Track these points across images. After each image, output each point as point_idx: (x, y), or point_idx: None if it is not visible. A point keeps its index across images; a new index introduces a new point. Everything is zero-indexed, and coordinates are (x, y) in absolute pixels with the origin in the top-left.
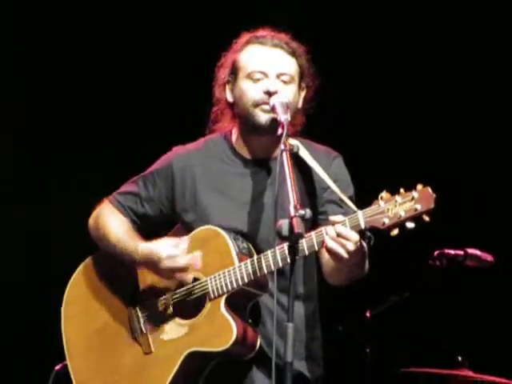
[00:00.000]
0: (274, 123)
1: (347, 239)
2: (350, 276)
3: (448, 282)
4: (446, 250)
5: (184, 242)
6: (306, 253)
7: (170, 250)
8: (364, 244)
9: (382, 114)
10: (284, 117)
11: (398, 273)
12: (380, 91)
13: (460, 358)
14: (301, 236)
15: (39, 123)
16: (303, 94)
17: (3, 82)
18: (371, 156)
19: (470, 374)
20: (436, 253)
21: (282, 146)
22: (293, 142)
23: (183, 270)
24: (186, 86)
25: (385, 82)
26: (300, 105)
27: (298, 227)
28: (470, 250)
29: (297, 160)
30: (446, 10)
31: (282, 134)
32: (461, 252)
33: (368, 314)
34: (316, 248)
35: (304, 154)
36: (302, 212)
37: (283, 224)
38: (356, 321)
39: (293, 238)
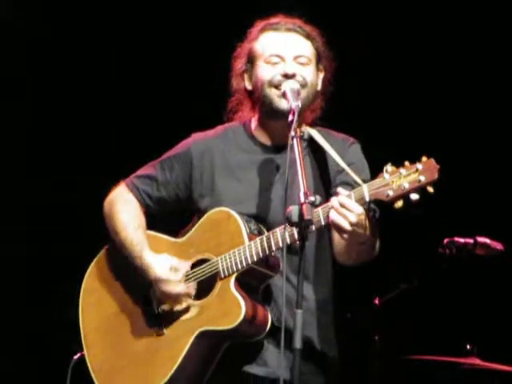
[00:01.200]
0: (289, 110)
1: (350, 210)
2: (360, 255)
3: (457, 270)
4: (456, 238)
5: (184, 267)
6: (313, 228)
7: (168, 274)
8: (373, 221)
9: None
10: (295, 103)
11: (408, 260)
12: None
13: (468, 346)
14: (310, 222)
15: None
16: (321, 76)
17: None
18: (381, 136)
19: (479, 362)
20: (446, 241)
21: (292, 133)
22: (304, 128)
23: (175, 297)
24: (201, 80)
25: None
26: (319, 87)
27: (308, 213)
28: (480, 239)
29: (313, 146)
30: (452, 10)
31: (292, 121)
32: (470, 240)
33: (377, 302)
34: (323, 222)
35: (318, 138)
36: (311, 198)
37: (293, 210)
38: (365, 308)
39: (302, 224)
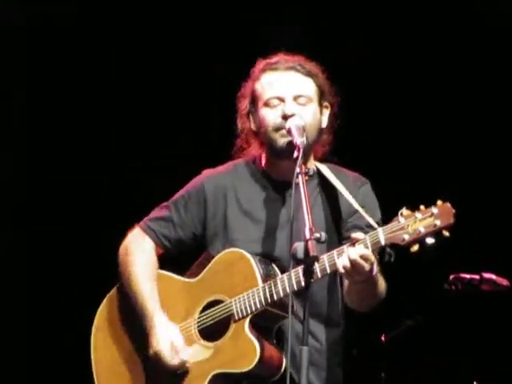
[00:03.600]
0: (292, 146)
1: (364, 259)
2: (363, 301)
3: (463, 306)
4: (462, 275)
5: (185, 351)
6: (328, 271)
7: (167, 352)
8: (374, 272)
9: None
10: (300, 140)
11: (414, 297)
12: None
13: (475, 383)
14: (316, 259)
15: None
16: (327, 112)
17: None
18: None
19: None
20: (452, 277)
21: (297, 169)
22: (312, 164)
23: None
24: (210, 116)
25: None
26: (324, 124)
27: (313, 250)
28: (486, 275)
29: (324, 183)
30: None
31: (297, 157)
32: (476, 276)
33: (383, 338)
34: (328, 270)
35: (328, 175)
36: (317, 235)
37: (298, 247)
38: (371, 345)
39: (308, 261)
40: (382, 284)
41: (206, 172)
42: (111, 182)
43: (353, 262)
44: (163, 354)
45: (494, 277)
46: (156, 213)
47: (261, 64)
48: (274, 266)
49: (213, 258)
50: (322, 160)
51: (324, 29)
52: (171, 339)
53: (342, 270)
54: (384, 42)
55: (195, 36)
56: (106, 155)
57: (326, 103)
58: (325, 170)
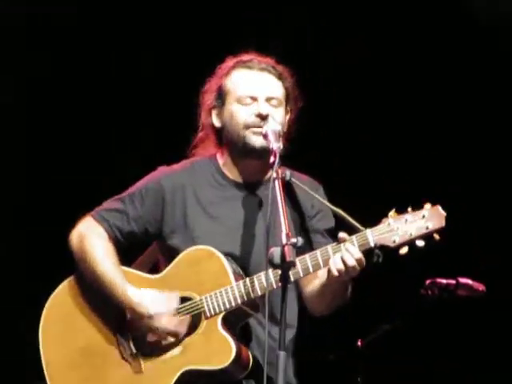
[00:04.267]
0: (266, 149)
1: (357, 259)
2: (331, 302)
3: (439, 311)
4: (438, 279)
5: (174, 299)
6: (311, 271)
7: (160, 308)
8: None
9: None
10: (276, 145)
11: (390, 301)
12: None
13: None
14: (292, 264)
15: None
16: (287, 117)
17: None
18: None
19: None
20: (428, 282)
21: (274, 175)
22: (284, 169)
23: (170, 331)
24: (169, 110)
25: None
26: (285, 128)
27: (290, 255)
28: (462, 280)
29: (285, 187)
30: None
31: (274, 162)
32: (452, 281)
33: (359, 343)
34: (321, 266)
35: (298, 182)
36: (293, 240)
37: (275, 252)
38: (347, 349)
39: (284, 266)
40: (349, 289)
41: (162, 169)
42: (111, 182)
43: (352, 266)
44: (158, 311)
45: (470, 282)
46: (110, 204)
47: (231, 61)
48: (236, 264)
49: (170, 254)
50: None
51: (324, 29)
52: (155, 296)
53: (335, 273)
54: (384, 42)
55: (195, 36)
56: (106, 155)
57: (289, 108)
58: (291, 175)
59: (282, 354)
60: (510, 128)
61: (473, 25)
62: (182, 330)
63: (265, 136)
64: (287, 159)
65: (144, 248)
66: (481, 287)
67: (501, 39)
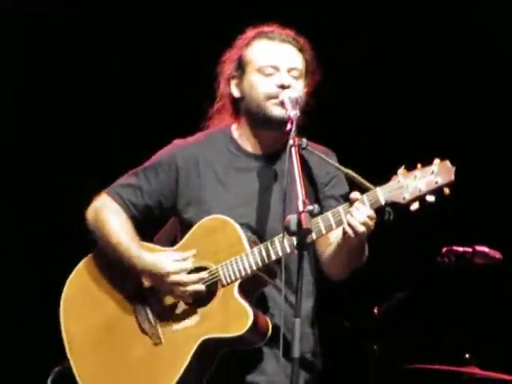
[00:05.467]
0: (285, 120)
1: (368, 216)
2: (349, 264)
3: (456, 279)
4: (454, 247)
5: (189, 257)
6: (324, 233)
7: (175, 264)
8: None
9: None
10: (293, 112)
11: (407, 269)
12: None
13: (467, 355)
14: (309, 231)
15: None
16: (305, 89)
17: None
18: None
19: (478, 371)
20: (444, 250)
21: (291, 142)
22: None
23: (190, 286)
24: (185, 81)
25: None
26: (303, 101)
27: (307, 222)
28: (478, 247)
29: (300, 155)
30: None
31: (290, 130)
32: (469, 249)
33: (376, 310)
34: (334, 227)
35: (313, 149)
36: (310, 207)
37: (291, 219)
38: (363, 316)
39: (301, 233)
40: (365, 251)
41: (177, 142)
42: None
43: (363, 223)
44: (175, 268)
45: (486, 249)
46: (124, 179)
47: (252, 32)
48: (250, 233)
49: (185, 227)
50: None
51: (324, 29)
52: (170, 255)
53: (349, 231)
54: (384, 42)
55: (195, 36)
56: (106, 155)
57: (307, 81)
58: (308, 142)
59: (297, 320)
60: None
61: (472, 24)
62: (200, 287)
63: (281, 103)
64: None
65: (162, 224)
66: (497, 255)
67: (500, 39)
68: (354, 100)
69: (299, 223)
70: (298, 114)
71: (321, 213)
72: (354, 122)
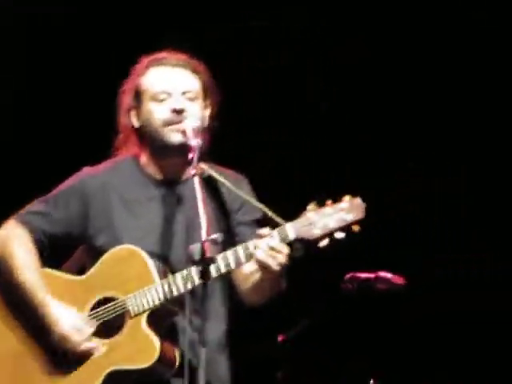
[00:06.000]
0: (185, 146)
1: (278, 251)
2: (269, 293)
3: (359, 305)
4: (357, 273)
5: (90, 327)
6: (233, 267)
7: (72, 333)
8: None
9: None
10: (194, 141)
11: (311, 296)
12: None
13: (372, 381)
14: (213, 260)
15: None
16: (208, 111)
17: None
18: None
19: None
20: (347, 276)
21: (193, 171)
22: (203, 165)
23: (77, 354)
24: (91, 112)
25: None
26: (206, 123)
27: (210, 251)
28: (381, 273)
29: (208, 182)
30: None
31: (192, 159)
32: (372, 275)
33: (280, 338)
34: (243, 261)
35: (217, 176)
36: (213, 236)
37: (194, 248)
38: (267, 344)
39: (204, 263)
40: (283, 279)
41: (86, 169)
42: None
43: (267, 254)
44: (68, 335)
45: (389, 275)
46: (33, 206)
47: (145, 60)
48: (161, 263)
49: (95, 255)
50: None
51: (324, 29)
52: (71, 320)
53: (260, 264)
54: (384, 42)
55: (195, 40)
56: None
57: (207, 102)
58: (210, 170)
59: (203, 350)
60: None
61: (471, 25)
62: (92, 352)
63: (183, 133)
64: (212, 154)
65: (72, 251)
66: (400, 280)
67: (500, 40)
68: (354, 100)
69: (202, 252)
70: (200, 143)
71: (232, 239)
72: (353, 122)
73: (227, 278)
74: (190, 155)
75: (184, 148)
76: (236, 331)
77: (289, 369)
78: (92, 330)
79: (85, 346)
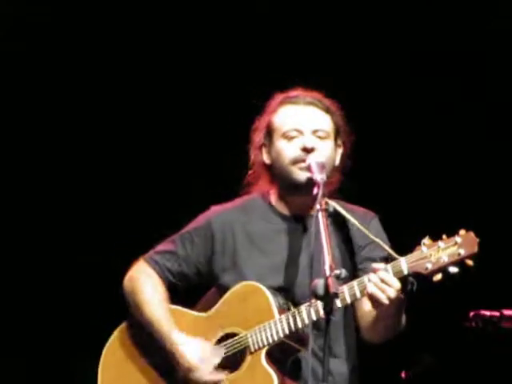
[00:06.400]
0: (311, 182)
1: (389, 285)
2: (386, 329)
3: (484, 343)
4: (482, 311)
5: (216, 356)
6: (349, 301)
7: (199, 363)
8: (402, 296)
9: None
10: (320, 176)
11: (434, 334)
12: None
13: None
14: (336, 296)
15: None
16: (340, 151)
17: None
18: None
19: None
20: (471, 314)
21: (318, 206)
22: (329, 201)
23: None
24: (222, 150)
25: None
26: (337, 162)
27: (333, 287)
28: (506, 311)
29: (335, 218)
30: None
31: (317, 194)
32: (496, 313)
33: (403, 375)
34: (358, 296)
35: (343, 212)
36: (337, 272)
37: (318, 284)
38: (391, 381)
39: (328, 298)
40: (402, 317)
41: (214, 208)
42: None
43: (378, 287)
44: (196, 366)
45: None
46: (162, 246)
47: (279, 97)
48: (287, 301)
49: (222, 292)
50: (329, 197)
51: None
52: (197, 350)
53: (373, 298)
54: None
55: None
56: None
57: (340, 142)
58: (335, 205)
59: None
60: None
61: (472, 26)
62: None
63: (308, 168)
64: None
65: (207, 289)
66: None
67: (503, 44)
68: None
69: (326, 288)
70: (325, 179)
71: (356, 276)
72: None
73: (351, 316)
74: (315, 190)
75: (310, 185)
76: (361, 367)
77: None
78: (218, 360)
79: (210, 378)
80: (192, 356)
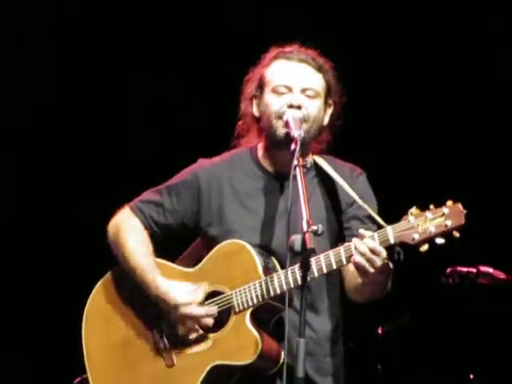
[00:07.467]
0: (289, 138)
1: (376, 254)
2: (372, 293)
3: (460, 299)
4: (459, 268)
5: (201, 289)
6: (334, 267)
7: (188, 296)
8: (390, 263)
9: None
10: (297, 132)
11: (411, 290)
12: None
13: (472, 376)
14: (313, 251)
15: None
16: (330, 110)
17: None
18: (394, 172)
19: None
20: (448, 270)
21: (295, 162)
22: (309, 157)
23: (197, 319)
24: (213, 99)
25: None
26: (326, 122)
27: (311, 243)
28: (483, 268)
29: (322, 176)
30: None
31: (294, 150)
32: (473, 269)
33: (380, 331)
34: (344, 263)
35: (326, 167)
36: (314, 227)
37: (295, 239)
38: (367, 337)
39: (305, 254)
40: (389, 282)
41: (201, 162)
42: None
43: (365, 256)
44: (185, 300)
45: (490, 270)
46: (147, 195)
47: (273, 51)
48: (273, 259)
49: (208, 245)
50: (318, 153)
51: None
52: (183, 286)
53: (358, 267)
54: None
55: (197, 35)
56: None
57: (330, 101)
58: (321, 162)
59: (301, 341)
60: None
61: (472, 26)
62: (209, 320)
63: (286, 123)
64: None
65: (189, 242)
66: (502, 275)
67: (501, 43)
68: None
69: (303, 243)
70: (302, 135)
71: (344, 233)
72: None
73: (335, 272)
74: (293, 146)
75: (289, 141)
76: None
77: (389, 361)
78: (203, 295)
79: (199, 311)
80: (178, 293)
